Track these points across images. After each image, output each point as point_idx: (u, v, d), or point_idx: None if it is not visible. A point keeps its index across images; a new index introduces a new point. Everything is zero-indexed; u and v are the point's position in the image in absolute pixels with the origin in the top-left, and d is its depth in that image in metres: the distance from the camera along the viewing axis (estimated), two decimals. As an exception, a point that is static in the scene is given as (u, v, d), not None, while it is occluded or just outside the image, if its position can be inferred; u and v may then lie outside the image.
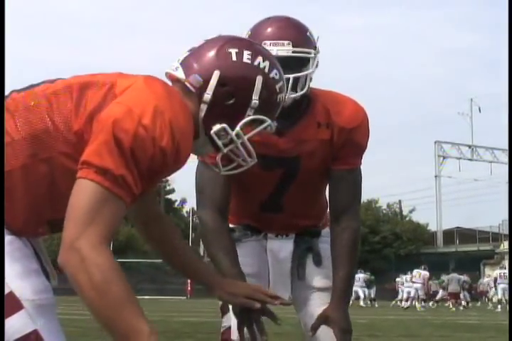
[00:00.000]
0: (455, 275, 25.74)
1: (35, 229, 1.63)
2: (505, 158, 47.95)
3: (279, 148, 2.14)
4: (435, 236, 49.52)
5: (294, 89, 2.09)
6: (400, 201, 53.91)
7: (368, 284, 28.29)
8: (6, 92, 1.64)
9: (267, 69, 1.67)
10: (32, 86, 1.63)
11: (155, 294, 36.23)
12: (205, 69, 1.63)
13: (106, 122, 1.45)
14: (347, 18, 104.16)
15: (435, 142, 50.80)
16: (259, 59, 1.67)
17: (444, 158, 50.65)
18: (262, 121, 1.70)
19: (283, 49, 2.08)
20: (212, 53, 1.65)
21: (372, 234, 46.47)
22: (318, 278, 2.38)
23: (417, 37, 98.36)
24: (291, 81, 2.06)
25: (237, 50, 1.65)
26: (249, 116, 1.66)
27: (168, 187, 58.97)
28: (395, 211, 53.27)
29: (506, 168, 46.53)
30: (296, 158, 2.20)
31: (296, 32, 2.14)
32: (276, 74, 1.69)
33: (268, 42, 2.09)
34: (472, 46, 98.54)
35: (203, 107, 1.61)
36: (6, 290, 1.45)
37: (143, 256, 38.39)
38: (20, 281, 1.47)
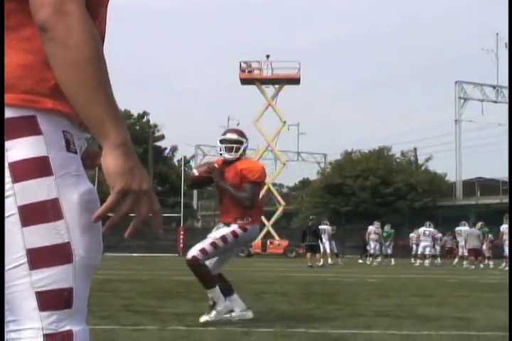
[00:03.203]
0: (474, 229, 25.93)
1: None
2: (534, 101, 47.74)
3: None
4: (454, 187, 49.78)
5: (233, 151, 6.52)
6: (415, 149, 54.02)
7: (384, 238, 28.49)
8: None
9: None
10: None
11: (144, 251, 36.66)
12: None
13: None
14: None
15: (456, 82, 50.52)
16: None
17: (465, 100, 50.45)
18: None
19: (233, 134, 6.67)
20: None
21: (384, 185, 46.69)
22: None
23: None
24: (234, 149, 6.49)
25: None
26: None
27: (156, 134, 58.88)
28: (409, 160, 53.39)
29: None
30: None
31: (237, 131, 6.88)
32: None
33: (228, 132, 6.73)
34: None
35: None
36: (64, 240, 1.50)
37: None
38: (79, 235, 1.52)
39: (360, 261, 29.52)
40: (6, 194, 1.47)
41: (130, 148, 1.49)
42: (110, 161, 1.47)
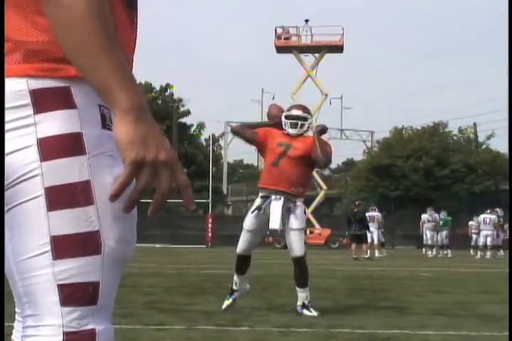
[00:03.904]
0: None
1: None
2: None
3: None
4: (519, 168, 49.28)
5: (297, 127, 7.51)
6: (474, 124, 53.53)
7: (440, 227, 28.22)
8: None
9: None
10: None
11: (167, 242, 36.87)
12: None
13: None
14: None
15: (522, 48, 49.85)
16: None
17: (532, 68, 49.79)
18: None
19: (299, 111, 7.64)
20: None
21: (440, 167, 46.40)
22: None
23: None
24: (299, 124, 7.48)
25: None
26: None
27: (181, 109, 59.03)
28: (468, 137, 52.95)
29: None
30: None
31: (302, 107, 7.89)
32: None
33: (293, 108, 7.70)
34: None
35: None
36: (94, 228, 1.50)
37: (150, 195, 38.49)
38: (110, 223, 1.52)
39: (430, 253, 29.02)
40: (32, 173, 1.46)
41: (143, 113, 1.45)
42: (119, 130, 1.43)
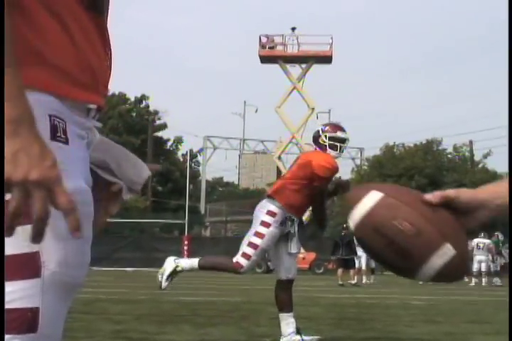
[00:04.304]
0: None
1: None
2: None
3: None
4: (518, 189, 49.53)
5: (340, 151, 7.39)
6: (470, 142, 53.80)
7: None
8: None
9: None
10: None
11: (140, 265, 36.75)
12: None
13: None
14: None
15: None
16: None
17: (533, 83, 50.21)
18: None
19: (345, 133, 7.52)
20: None
21: (433, 187, 46.53)
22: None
23: None
24: (344, 148, 7.48)
25: None
26: None
27: (157, 122, 58.99)
28: (463, 155, 53.19)
29: None
30: None
31: (344, 129, 7.57)
32: None
33: (339, 130, 7.45)
34: None
35: None
36: (33, 249, 1.47)
37: (124, 215, 38.50)
38: (52, 244, 1.49)
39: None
40: None
41: (20, 127, 1.38)
42: None
